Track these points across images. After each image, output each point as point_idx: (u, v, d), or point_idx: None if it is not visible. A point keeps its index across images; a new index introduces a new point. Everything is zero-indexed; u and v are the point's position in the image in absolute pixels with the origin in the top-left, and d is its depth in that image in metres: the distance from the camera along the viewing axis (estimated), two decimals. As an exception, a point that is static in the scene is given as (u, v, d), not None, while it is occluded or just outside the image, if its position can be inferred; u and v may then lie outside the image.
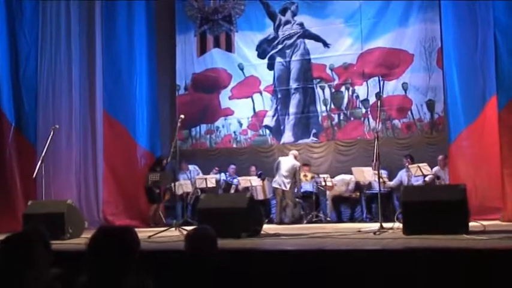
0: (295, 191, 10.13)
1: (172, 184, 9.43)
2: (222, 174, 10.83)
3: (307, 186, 10.40)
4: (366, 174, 9.39)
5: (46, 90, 9.95)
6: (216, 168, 10.90)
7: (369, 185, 9.87)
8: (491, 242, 5.25)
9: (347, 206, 10.26)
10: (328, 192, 10.17)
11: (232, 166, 10.92)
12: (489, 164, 8.34)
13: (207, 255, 3.17)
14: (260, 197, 10.35)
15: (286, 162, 9.95)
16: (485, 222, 6.84)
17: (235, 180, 10.61)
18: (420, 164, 8.90)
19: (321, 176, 10.14)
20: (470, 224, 6.24)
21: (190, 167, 10.86)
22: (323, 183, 10.03)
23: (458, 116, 8.69)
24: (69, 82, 10.00)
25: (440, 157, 9.44)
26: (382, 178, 8.34)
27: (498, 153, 8.15)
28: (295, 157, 10.15)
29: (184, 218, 9.93)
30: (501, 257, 4.40)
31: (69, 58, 10.05)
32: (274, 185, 10.08)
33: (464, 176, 8.32)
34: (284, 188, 9.89)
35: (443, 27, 9.14)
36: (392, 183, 9.70)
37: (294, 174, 9.90)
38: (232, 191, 10.49)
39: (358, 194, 10.09)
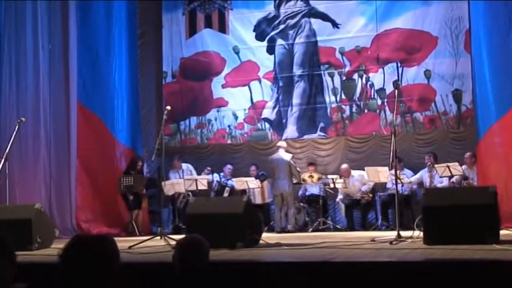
0: (299, 193, 10.14)
1: (162, 184, 9.48)
2: (215, 174, 10.83)
3: (313, 188, 10.43)
4: (381, 174, 9.43)
5: (9, 78, 9.95)
6: (208, 168, 10.91)
7: (384, 187, 9.91)
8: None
9: (358, 210, 10.29)
10: (340, 186, 10.09)
11: (229, 166, 10.93)
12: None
13: (197, 268, 3.19)
14: (258, 200, 10.39)
15: (279, 162, 9.94)
16: (518, 231, 6.88)
17: (230, 182, 10.63)
18: (450, 164, 8.89)
19: (329, 176, 10.16)
20: (501, 232, 6.28)
21: (184, 165, 10.89)
22: (332, 185, 10.05)
23: (488, 109, 8.72)
24: (37, 69, 9.98)
25: (467, 155, 9.49)
26: (400, 180, 8.36)
27: (534, 150, 8.18)
28: (285, 149, 10.14)
29: (175, 223, 10.03)
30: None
31: (35, 40, 10.01)
32: (275, 191, 10.08)
33: (494, 176, 8.36)
34: (284, 191, 9.89)
35: (471, 6, 9.16)
36: (410, 180, 9.72)
37: (290, 172, 9.91)
38: (226, 194, 10.51)
39: (371, 196, 10.10)
